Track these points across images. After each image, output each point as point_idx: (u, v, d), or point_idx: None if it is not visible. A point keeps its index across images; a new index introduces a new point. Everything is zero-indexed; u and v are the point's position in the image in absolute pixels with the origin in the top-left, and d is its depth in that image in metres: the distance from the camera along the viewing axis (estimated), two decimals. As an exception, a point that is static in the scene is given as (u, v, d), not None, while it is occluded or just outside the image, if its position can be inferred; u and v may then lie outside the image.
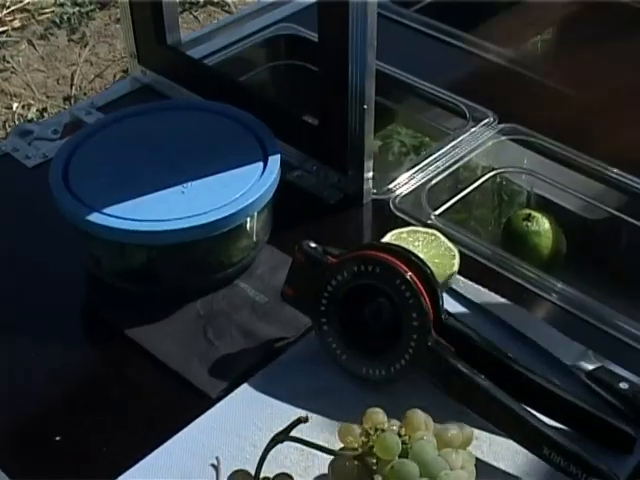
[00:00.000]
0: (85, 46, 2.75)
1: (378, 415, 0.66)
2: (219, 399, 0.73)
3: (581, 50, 1.27)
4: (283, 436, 0.65)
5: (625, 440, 0.69)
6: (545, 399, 0.71)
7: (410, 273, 0.71)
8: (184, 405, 0.73)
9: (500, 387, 0.69)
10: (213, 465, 0.68)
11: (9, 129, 2.39)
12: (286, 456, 0.67)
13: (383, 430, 0.64)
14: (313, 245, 0.76)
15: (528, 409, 0.69)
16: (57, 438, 0.71)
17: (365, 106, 0.86)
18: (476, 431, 0.68)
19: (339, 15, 0.83)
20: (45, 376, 0.77)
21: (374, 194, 0.94)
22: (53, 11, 2.87)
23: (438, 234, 0.84)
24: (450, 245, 0.83)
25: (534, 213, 0.97)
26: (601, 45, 1.22)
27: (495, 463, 0.69)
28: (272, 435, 0.65)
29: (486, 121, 1.03)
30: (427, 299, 0.71)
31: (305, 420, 0.66)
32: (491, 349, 0.73)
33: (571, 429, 0.70)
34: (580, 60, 1.17)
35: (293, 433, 0.64)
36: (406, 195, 0.94)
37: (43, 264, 0.86)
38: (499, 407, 0.69)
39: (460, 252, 0.83)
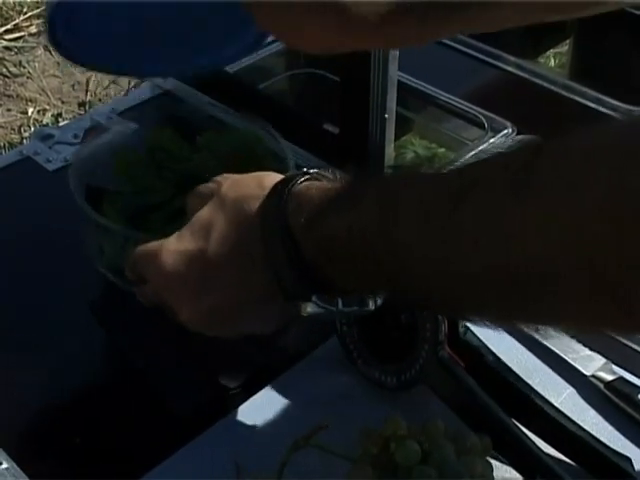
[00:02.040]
0: (100, 52, 2.76)
1: (398, 422, 0.67)
2: (239, 403, 0.73)
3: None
4: (303, 442, 0.65)
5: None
6: (548, 427, 0.70)
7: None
8: (204, 408, 0.74)
9: (505, 411, 0.69)
10: (233, 470, 0.69)
11: (25, 134, 2.41)
12: (306, 462, 0.68)
13: (403, 437, 0.64)
14: None
15: (529, 435, 0.68)
16: (77, 440, 0.72)
17: (386, 115, 0.87)
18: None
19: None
20: (63, 378, 0.78)
21: (392, 204, 0.94)
22: (69, 17, 2.88)
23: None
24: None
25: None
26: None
27: (513, 472, 0.69)
28: (291, 441, 0.66)
29: (505, 132, 1.03)
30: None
31: (325, 427, 0.67)
32: (503, 371, 0.72)
33: (573, 461, 0.69)
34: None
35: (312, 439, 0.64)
36: (425, 205, 0.94)
37: (62, 267, 0.87)
38: (498, 427, 0.68)
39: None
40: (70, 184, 0.77)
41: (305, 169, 0.63)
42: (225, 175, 0.68)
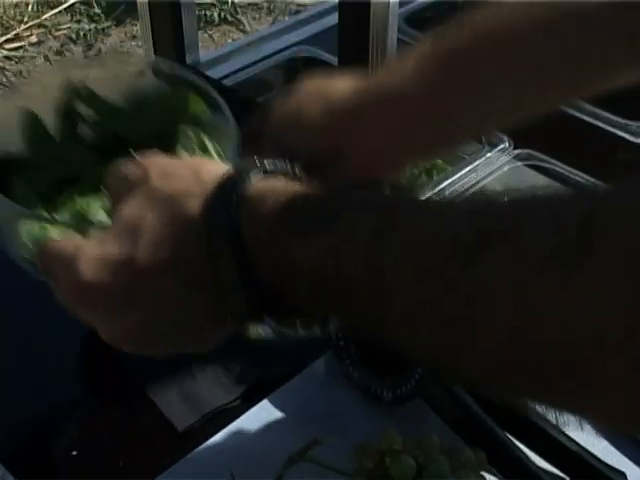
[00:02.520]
0: (100, 62, 2.77)
1: (393, 437, 0.67)
2: (235, 418, 0.74)
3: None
4: (298, 457, 0.65)
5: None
6: (542, 442, 0.70)
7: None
8: (200, 422, 0.74)
9: (499, 425, 0.69)
10: (228, 483, 0.69)
11: (24, 143, 2.41)
12: (301, 477, 0.68)
13: (398, 451, 0.64)
14: None
15: (523, 449, 0.68)
16: (73, 453, 0.72)
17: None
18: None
19: (359, 39, 0.84)
20: (61, 390, 0.78)
21: (390, 217, 0.95)
22: (69, 27, 2.90)
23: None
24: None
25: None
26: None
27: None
28: (287, 455, 0.66)
29: (502, 146, 1.04)
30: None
31: (320, 442, 0.67)
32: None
33: (567, 475, 0.69)
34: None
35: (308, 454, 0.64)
36: (422, 218, 0.94)
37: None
38: (493, 442, 0.68)
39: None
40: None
41: (257, 159, 0.52)
42: (151, 157, 0.56)
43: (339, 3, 0.86)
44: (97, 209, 0.65)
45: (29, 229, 0.63)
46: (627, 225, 0.36)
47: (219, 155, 0.71)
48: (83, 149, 0.71)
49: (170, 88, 0.74)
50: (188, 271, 0.51)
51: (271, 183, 0.51)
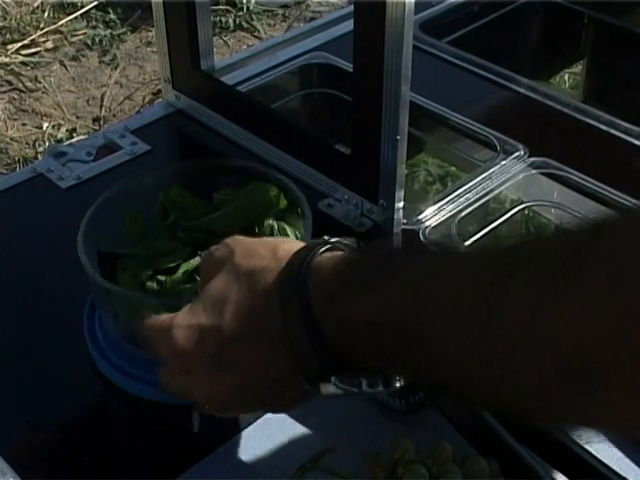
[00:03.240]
0: (115, 68, 2.78)
1: (406, 446, 0.67)
2: (248, 425, 0.73)
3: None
4: (310, 465, 0.65)
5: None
6: (555, 451, 0.70)
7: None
8: (212, 430, 0.74)
9: (513, 434, 0.68)
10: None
11: (39, 148, 2.42)
12: (313, 485, 0.68)
13: (411, 461, 0.64)
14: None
15: (537, 459, 0.68)
16: (85, 458, 0.72)
17: (398, 137, 0.87)
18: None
19: (375, 46, 0.84)
20: (73, 395, 0.78)
21: (404, 224, 0.95)
22: (85, 33, 2.90)
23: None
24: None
25: (563, 247, 0.97)
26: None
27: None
28: (299, 463, 0.66)
29: (517, 154, 1.03)
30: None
31: (332, 450, 0.67)
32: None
33: None
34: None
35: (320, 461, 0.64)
36: (436, 226, 0.94)
37: (76, 285, 0.87)
38: (506, 451, 0.68)
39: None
40: (79, 253, 0.74)
41: (325, 237, 0.59)
42: (236, 239, 0.64)
43: (354, 9, 0.85)
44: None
45: (132, 310, 0.73)
46: (620, 244, 0.40)
47: (296, 237, 0.80)
48: (179, 243, 0.80)
49: (255, 184, 0.82)
50: (268, 338, 0.57)
51: (334, 254, 0.57)
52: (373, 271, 0.53)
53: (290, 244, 0.61)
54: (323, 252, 0.57)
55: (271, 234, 0.79)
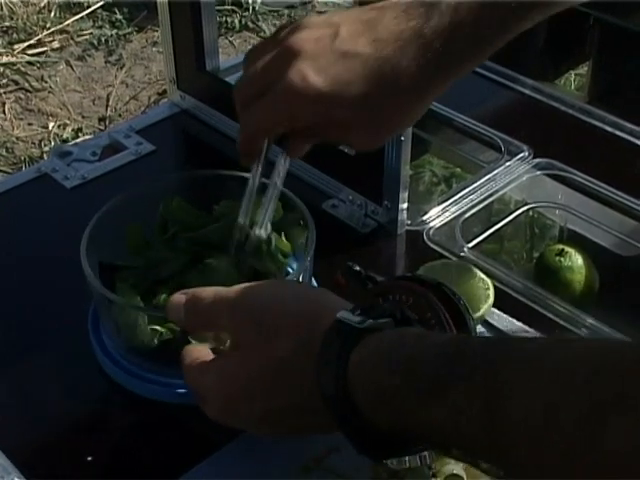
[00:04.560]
0: (121, 68, 2.79)
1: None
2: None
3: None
4: (314, 464, 0.65)
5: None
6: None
7: (440, 305, 0.71)
8: (216, 428, 0.74)
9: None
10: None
11: (45, 148, 2.42)
12: (316, 485, 0.68)
13: (413, 462, 0.64)
14: (357, 268, 0.77)
15: None
16: (89, 458, 0.72)
17: (402, 138, 0.87)
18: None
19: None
20: (76, 394, 0.78)
21: (408, 225, 0.95)
22: (91, 33, 2.91)
23: (472, 267, 0.85)
24: (484, 278, 0.84)
25: (567, 249, 0.97)
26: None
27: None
28: (303, 463, 0.66)
29: (521, 155, 1.04)
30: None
31: (336, 449, 0.67)
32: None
33: None
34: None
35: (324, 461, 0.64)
36: (440, 227, 0.94)
37: (75, 284, 0.87)
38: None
39: (493, 285, 0.84)
40: (82, 264, 0.74)
41: (363, 313, 0.58)
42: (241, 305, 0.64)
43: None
44: None
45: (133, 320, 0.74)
46: None
47: (292, 250, 0.81)
48: (176, 255, 0.80)
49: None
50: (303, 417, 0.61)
51: (375, 342, 0.56)
52: (427, 376, 0.52)
53: (315, 322, 0.60)
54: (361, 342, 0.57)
55: (268, 246, 0.79)
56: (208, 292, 0.66)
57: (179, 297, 0.67)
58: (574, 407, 0.45)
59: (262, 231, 0.76)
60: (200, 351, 0.67)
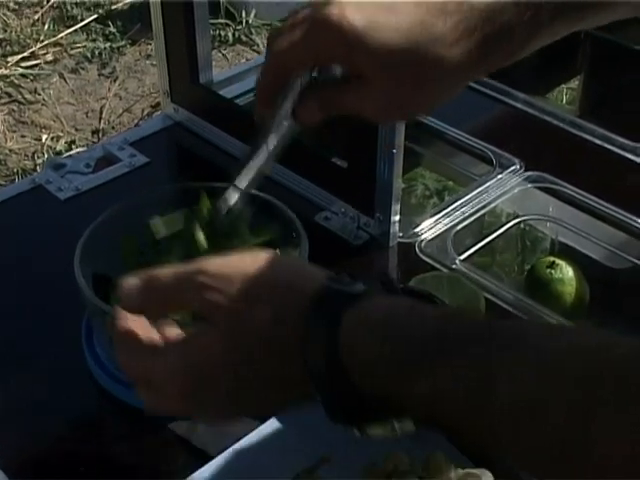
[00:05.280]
0: (115, 81, 2.79)
1: (400, 457, 0.67)
2: (243, 435, 0.74)
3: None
4: (305, 475, 0.66)
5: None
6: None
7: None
8: (209, 438, 0.74)
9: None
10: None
11: (38, 160, 2.42)
12: (307, 495, 0.68)
13: (405, 472, 0.64)
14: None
15: None
16: (81, 468, 0.72)
17: (394, 150, 0.88)
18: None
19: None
20: (70, 406, 0.78)
21: (400, 237, 0.95)
22: (85, 46, 2.91)
23: (463, 279, 0.85)
24: (476, 289, 0.84)
25: (558, 261, 0.97)
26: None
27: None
28: (294, 474, 0.66)
29: (512, 168, 1.04)
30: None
31: (327, 461, 0.67)
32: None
33: None
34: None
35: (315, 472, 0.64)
36: (432, 239, 0.95)
37: (69, 295, 0.88)
38: (500, 462, 0.68)
39: (484, 297, 0.84)
40: (76, 276, 0.74)
41: (347, 283, 0.56)
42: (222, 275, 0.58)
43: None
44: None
45: None
46: None
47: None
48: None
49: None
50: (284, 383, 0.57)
51: (366, 309, 0.54)
52: (417, 345, 0.52)
53: (295, 284, 0.57)
54: (350, 310, 0.54)
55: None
56: (167, 269, 0.60)
57: (132, 279, 0.60)
58: (563, 400, 0.45)
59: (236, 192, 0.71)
60: (140, 326, 0.59)
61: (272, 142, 0.69)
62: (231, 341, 0.56)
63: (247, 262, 0.59)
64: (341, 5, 0.63)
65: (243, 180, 0.70)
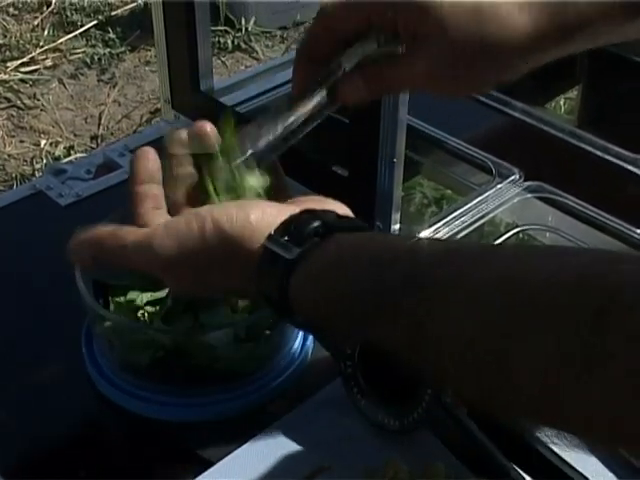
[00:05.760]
0: (114, 87, 2.79)
1: (399, 465, 0.67)
2: (241, 444, 0.74)
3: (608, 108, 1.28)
4: (305, 483, 0.66)
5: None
6: (549, 474, 0.70)
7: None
8: (204, 448, 0.74)
9: (506, 456, 0.69)
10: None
11: (37, 165, 2.43)
12: (307, 503, 0.68)
13: (404, 480, 0.65)
14: None
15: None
16: (81, 475, 0.72)
17: (395, 160, 0.88)
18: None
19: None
20: (70, 410, 0.78)
21: (400, 246, 0.95)
22: (84, 51, 2.92)
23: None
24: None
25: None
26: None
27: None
28: (294, 481, 0.66)
29: (512, 178, 1.04)
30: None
31: (326, 469, 0.67)
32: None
33: None
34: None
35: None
36: (431, 248, 0.95)
37: (70, 302, 0.88)
38: (499, 473, 0.68)
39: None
40: (77, 282, 0.75)
41: (290, 239, 0.61)
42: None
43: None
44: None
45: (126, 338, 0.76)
46: None
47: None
48: None
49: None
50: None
51: (308, 270, 0.60)
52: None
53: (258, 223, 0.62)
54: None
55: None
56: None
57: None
58: (488, 335, 0.48)
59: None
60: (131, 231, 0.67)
61: (303, 111, 0.67)
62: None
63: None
64: None
65: (261, 142, 0.68)
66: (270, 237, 0.61)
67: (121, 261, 0.66)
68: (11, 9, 3.14)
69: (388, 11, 0.63)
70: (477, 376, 0.49)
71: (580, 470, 0.69)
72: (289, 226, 0.62)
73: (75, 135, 2.59)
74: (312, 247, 0.60)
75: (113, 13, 3.12)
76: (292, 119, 0.67)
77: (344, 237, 0.61)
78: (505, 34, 0.62)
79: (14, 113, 2.66)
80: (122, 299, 0.78)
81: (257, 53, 2.98)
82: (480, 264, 0.52)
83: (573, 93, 1.56)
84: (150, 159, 0.68)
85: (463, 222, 0.99)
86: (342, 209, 0.66)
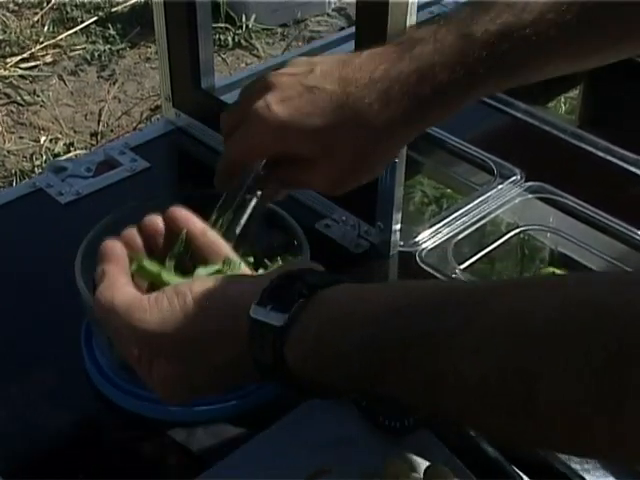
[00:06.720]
0: (114, 83, 2.79)
1: (399, 466, 0.67)
2: (240, 445, 0.74)
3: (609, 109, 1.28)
4: (305, 484, 0.66)
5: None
6: (550, 477, 0.70)
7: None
8: (204, 450, 0.74)
9: (507, 457, 0.69)
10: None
11: (36, 162, 2.42)
12: (307, 505, 0.68)
13: (405, 482, 0.64)
14: None
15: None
16: (81, 476, 0.72)
17: (397, 160, 0.88)
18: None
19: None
20: (69, 413, 0.78)
21: (400, 246, 0.95)
22: (84, 48, 2.92)
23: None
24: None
25: (557, 271, 0.97)
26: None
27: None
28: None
29: (513, 178, 1.04)
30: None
31: (328, 471, 0.67)
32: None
33: None
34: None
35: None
36: (432, 248, 0.95)
37: (69, 300, 0.87)
38: (500, 474, 0.68)
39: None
40: (76, 280, 0.74)
41: (275, 307, 0.59)
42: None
43: (355, 29, 0.87)
44: None
45: None
46: None
47: None
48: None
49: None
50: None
51: (299, 338, 0.57)
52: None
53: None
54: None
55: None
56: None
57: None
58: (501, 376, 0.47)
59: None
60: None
61: (241, 219, 0.75)
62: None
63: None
64: (266, 100, 0.71)
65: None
66: (254, 308, 0.59)
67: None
68: (11, 5, 3.13)
69: (270, 144, 0.73)
70: (498, 414, 0.48)
71: (580, 471, 0.69)
72: (271, 293, 0.59)
73: (75, 131, 2.59)
74: (299, 310, 0.58)
75: (113, 9, 3.11)
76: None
77: (329, 294, 0.59)
78: (375, 130, 0.71)
79: (14, 109, 2.66)
80: None
81: (257, 50, 2.98)
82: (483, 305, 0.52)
83: (574, 93, 1.55)
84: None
85: (465, 222, 0.99)
86: (311, 264, 0.65)
